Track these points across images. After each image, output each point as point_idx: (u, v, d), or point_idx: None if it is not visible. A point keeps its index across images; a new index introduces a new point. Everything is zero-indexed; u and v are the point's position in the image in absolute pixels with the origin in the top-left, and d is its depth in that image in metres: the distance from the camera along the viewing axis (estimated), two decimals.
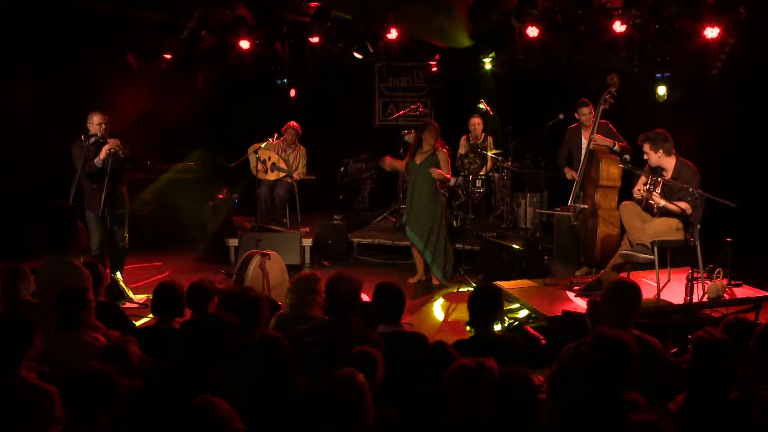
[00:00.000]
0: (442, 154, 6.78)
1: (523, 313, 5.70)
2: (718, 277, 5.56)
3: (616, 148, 6.71)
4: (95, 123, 6.42)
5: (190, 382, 3.10)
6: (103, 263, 6.71)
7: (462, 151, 8.61)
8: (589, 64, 8.54)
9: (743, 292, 5.72)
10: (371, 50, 8.65)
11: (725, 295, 5.56)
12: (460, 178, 8.41)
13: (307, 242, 8.01)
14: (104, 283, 4.84)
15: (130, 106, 9.45)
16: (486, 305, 3.74)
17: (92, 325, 4.44)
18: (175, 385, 2.99)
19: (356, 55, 8.72)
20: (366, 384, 2.50)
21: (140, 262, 7.96)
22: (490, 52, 8.82)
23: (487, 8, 6.49)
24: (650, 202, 5.51)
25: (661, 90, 8.42)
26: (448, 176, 6.81)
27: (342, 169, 9.19)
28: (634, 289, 3.38)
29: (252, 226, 8.06)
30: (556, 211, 7.44)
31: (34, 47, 8.35)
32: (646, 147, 5.53)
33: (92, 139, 6.40)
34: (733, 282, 5.81)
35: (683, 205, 5.33)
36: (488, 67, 9.00)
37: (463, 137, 8.72)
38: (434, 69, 9.51)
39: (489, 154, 8.23)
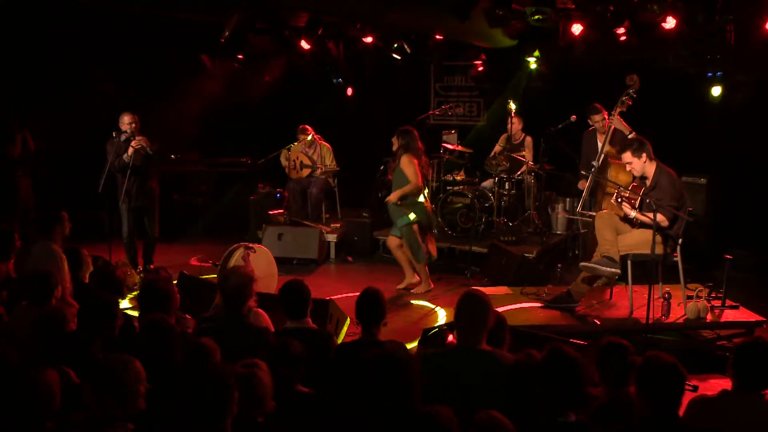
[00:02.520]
0: (404, 161, 6.46)
1: None
2: (700, 297, 5.14)
3: (632, 135, 6.28)
4: (126, 122, 7.05)
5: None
6: (134, 250, 7.42)
7: (497, 150, 8.47)
8: (641, 62, 8.06)
9: (735, 315, 5.23)
10: (408, 51, 8.71)
11: (708, 316, 5.12)
12: (489, 181, 8.29)
13: (332, 238, 8.27)
14: (86, 266, 5.36)
15: (199, 102, 10.26)
16: (367, 309, 3.79)
17: (66, 303, 5.02)
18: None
19: (395, 56, 8.81)
20: (141, 369, 2.70)
21: (186, 250, 8.59)
22: (533, 51, 8.55)
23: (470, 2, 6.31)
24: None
25: (716, 91, 7.76)
26: (412, 185, 6.41)
27: (381, 167, 9.32)
28: (481, 302, 3.27)
29: (284, 220, 8.45)
30: (575, 216, 7.15)
31: (109, 50, 9.28)
32: (628, 155, 5.17)
33: (123, 137, 7.04)
34: (728, 303, 5.34)
35: (658, 217, 4.96)
36: (533, 66, 8.73)
37: (503, 136, 8.56)
38: (480, 69, 9.39)
39: (516, 156, 8.01)
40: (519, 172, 8.19)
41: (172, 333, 3.43)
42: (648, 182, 5.18)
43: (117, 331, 3.57)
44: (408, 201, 6.53)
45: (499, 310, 5.31)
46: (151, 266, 7.50)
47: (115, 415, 2.56)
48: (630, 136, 6.23)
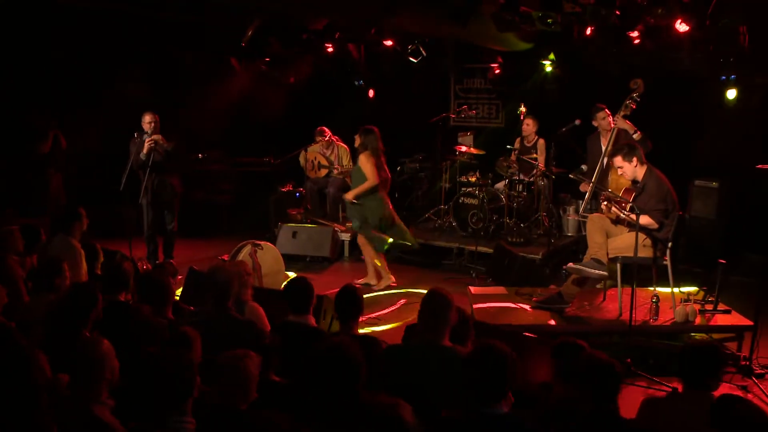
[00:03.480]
0: (362, 159, 6.78)
1: None
2: (689, 301, 5.19)
3: (636, 135, 6.34)
4: (146, 121, 7.40)
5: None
6: (155, 245, 7.77)
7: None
8: (656, 65, 8.06)
9: (725, 319, 5.26)
10: (424, 54, 8.86)
11: (697, 320, 5.17)
12: (501, 183, 8.40)
13: (346, 237, 8.49)
14: (100, 259, 5.71)
15: (226, 102, 10.63)
16: (344, 305, 4.00)
17: None
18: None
19: (411, 59, 8.97)
20: (109, 348, 2.97)
21: (207, 246, 8.90)
22: (549, 54, 8.62)
23: (468, 7, 6.40)
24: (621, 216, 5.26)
25: (731, 94, 7.71)
26: (369, 182, 6.72)
27: (399, 168, 9.52)
28: (443, 300, 3.44)
29: (301, 218, 8.71)
30: (579, 218, 7.22)
31: (141, 50, 9.67)
32: (618, 160, 5.27)
33: (144, 136, 7.42)
34: (721, 307, 5.36)
35: (644, 220, 5.03)
36: (548, 69, 8.80)
37: (518, 139, 8.65)
38: (497, 71, 9.48)
39: (527, 158, 8.09)
40: (531, 175, 8.23)
41: (142, 321, 3.71)
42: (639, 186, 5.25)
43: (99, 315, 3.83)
44: (365, 198, 6.79)
45: (489, 308, 5.51)
46: (171, 260, 7.89)
47: (94, 391, 2.82)
48: (635, 135, 6.30)
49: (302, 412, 3.25)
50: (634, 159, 5.20)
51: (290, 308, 4.20)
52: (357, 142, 6.87)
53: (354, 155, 9.15)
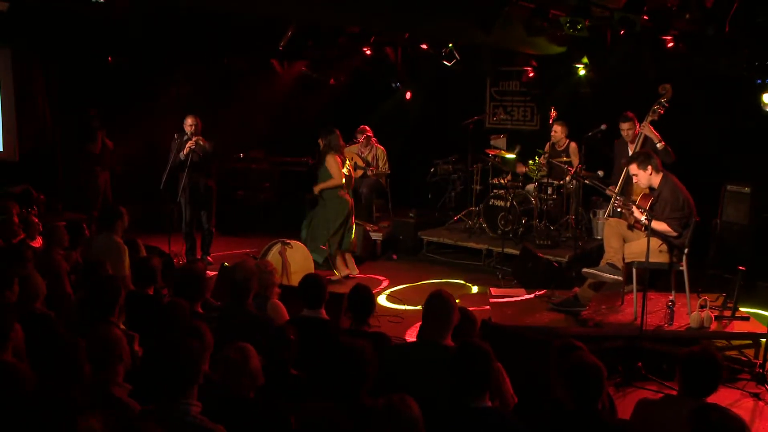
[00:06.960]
0: (328, 160, 7.25)
1: None
2: (704, 307, 5.21)
3: (659, 145, 6.36)
4: (188, 124, 7.77)
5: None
6: (192, 241, 8.11)
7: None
8: (691, 68, 8.02)
9: (741, 326, 5.25)
10: (458, 57, 8.98)
11: (712, 326, 5.18)
12: (531, 185, 8.46)
13: (378, 236, 8.70)
14: (141, 254, 6.05)
15: (268, 104, 10.97)
16: (356, 303, 4.20)
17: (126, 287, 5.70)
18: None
19: (445, 63, 9.10)
20: (121, 337, 3.24)
21: (245, 243, 9.23)
22: (582, 58, 8.63)
23: (492, 13, 6.49)
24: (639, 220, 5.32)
25: (767, 98, 7.59)
26: (334, 181, 7.23)
27: (432, 169, 9.67)
28: (445, 302, 3.58)
29: None
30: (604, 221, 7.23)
31: (187, 54, 10.06)
32: (633, 168, 5.33)
33: (185, 137, 7.78)
34: (738, 314, 5.36)
35: (661, 227, 5.08)
36: (582, 72, 8.80)
37: (548, 143, 8.69)
38: (531, 75, 9.52)
39: (557, 162, 8.13)
40: (568, 178, 8.17)
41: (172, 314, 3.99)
42: (655, 193, 5.29)
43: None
44: (329, 198, 7.31)
45: (507, 311, 5.64)
46: (209, 257, 8.24)
47: (111, 373, 3.10)
48: (658, 146, 6.31)
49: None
50: (649, 167, 5.25)
51: (304, 303, 4.42)
52: (321, 144, 7.35)
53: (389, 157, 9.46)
